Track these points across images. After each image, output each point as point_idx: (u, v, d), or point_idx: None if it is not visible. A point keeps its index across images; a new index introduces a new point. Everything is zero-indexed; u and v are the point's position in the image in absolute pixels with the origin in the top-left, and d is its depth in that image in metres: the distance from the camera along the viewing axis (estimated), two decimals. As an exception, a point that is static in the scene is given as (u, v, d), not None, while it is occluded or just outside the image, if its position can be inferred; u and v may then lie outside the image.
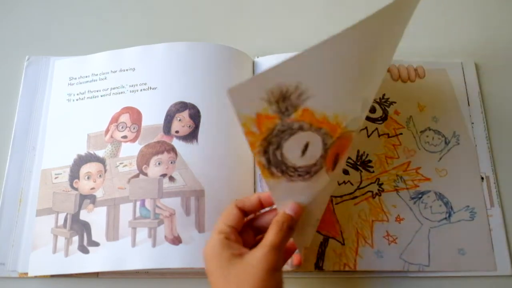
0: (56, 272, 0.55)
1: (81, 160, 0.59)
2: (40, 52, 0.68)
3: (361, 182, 0.59)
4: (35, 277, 0.55)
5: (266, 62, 0.65)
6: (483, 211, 0.59)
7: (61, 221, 0.56)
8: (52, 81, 0.65)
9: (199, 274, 0.56)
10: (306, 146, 0.41)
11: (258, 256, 0.42)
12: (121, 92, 0.62)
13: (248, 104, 0.37)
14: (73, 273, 0.54)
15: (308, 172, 0.43)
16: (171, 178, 0.56)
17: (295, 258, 0.53)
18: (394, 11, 0.43)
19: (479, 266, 0.56)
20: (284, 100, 0.38)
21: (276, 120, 0.38)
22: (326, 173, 0.44)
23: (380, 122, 0.62)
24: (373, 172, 0.60)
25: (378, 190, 0.59)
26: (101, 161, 0.58)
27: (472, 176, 0.61)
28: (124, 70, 0.63)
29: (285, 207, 0.45)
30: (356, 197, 0.58)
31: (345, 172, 0.59)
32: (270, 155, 0.40)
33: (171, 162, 0.57)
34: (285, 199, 0.45)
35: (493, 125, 0.65)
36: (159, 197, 0.56)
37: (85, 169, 0.58)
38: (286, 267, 0.54)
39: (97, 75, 0.64)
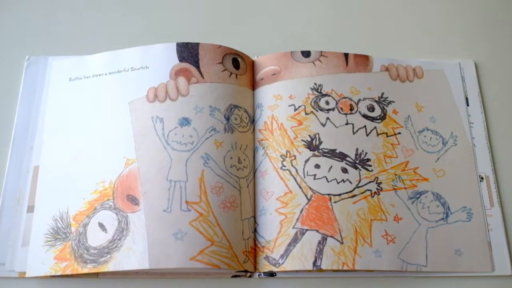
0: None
1: None
2: (40, 52, 0.68)
3: (360, 181, 0.59)
4: (35, 277, 0.55)
5: (265, 61, 0.65)
6: (480, 212, 0.59)
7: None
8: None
9: (199, 274, 0.56)
10: None
11: None
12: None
13: None
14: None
15: None
16: None
17: None
18: None
19: (476, 267, 0.57)
20: None
21: None
22: None
23: (379, 121, 0.62)
24: (372, 171, 0.60)
25: (377, 189, 0.59)
26: None
27: (469, 177, 0.61)
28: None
29: None
30: (355, 195, 0.58)
31: (344, 170, 0.59)
32: None
33: None
34: None
35: (493, 125, 0.65)
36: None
37: None
38: (284, 266, 0.54)
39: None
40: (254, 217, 0.58)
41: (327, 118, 0.61)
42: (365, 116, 0.62)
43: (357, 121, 0.62)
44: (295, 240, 0.55)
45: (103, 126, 0.60)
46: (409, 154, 0.61)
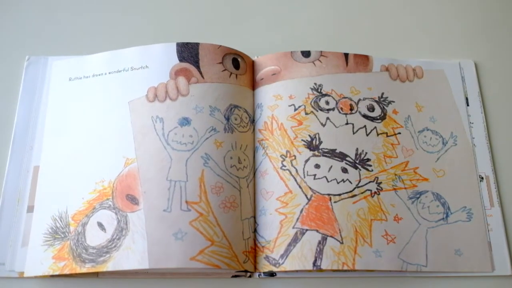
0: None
1: None
2: (40, 52, 0.68)
3: (360, 181, 0.59)
4: (35, 277, 0.55)
5: (265, 61, 0.65)
6: (480, 212, 0.59)
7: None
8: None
9: (199, 274, 0.56)
10: None
11: None
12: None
13: None
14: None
15: None
16: None
17: None
18: None
19: (476, 267, 0.57)
20: None
21: None
22: None
23: (379, 121, 0.62)
24: (372, 171, 0.59)
25: (377, 189, 0.59)
26: None
27: (469, 177, 0.61)
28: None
29: None
30: (355, 195, 0.58)
31: (344, 170, 0.59)
32: None
33: None
34: None
35: (493, 125, 0.65)
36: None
37: None
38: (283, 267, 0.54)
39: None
40: (254, 217, 0.58)
41: (327, 118, 0.61)
42: (365, 116, 0.62)
43: (357, 121, 0.62)
44: (295, 240, 0.55)
45: (103, 126, 0.60)
46: (409, 154, 0.61)
